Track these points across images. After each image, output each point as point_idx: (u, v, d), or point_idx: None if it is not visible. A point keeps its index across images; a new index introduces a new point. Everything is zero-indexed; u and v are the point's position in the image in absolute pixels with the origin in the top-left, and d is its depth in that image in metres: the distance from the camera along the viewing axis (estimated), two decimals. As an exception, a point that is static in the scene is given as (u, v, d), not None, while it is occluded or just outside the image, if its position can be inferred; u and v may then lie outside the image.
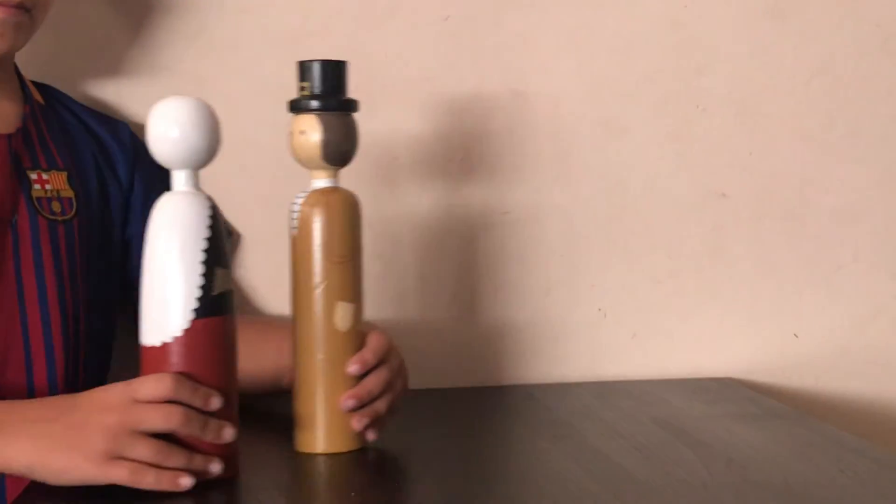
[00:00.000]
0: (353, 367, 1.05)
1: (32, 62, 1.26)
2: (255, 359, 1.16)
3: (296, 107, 1.07)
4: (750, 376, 1.48)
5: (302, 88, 1.06)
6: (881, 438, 1.48)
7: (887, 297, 1.51)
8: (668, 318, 1.47)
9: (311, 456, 1.06)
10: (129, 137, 1.28)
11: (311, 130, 1.05)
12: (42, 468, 0.92)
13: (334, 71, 1.06)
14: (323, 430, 1.05)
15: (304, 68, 1.06)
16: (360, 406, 1.04)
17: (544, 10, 1.42)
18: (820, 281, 1.49)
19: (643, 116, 1.45)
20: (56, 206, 1.15)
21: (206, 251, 0.96)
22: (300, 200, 1.06)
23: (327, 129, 1.05)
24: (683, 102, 1.45)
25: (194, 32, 1.36)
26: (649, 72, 1.45)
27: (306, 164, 1.07)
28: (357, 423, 1.04)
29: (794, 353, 1.49)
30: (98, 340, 1.20)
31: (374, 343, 1.07)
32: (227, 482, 0.97)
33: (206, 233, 0.96)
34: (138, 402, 0.93)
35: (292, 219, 1.06)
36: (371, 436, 1.06)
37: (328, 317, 1.05)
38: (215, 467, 0.95)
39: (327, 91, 1.06)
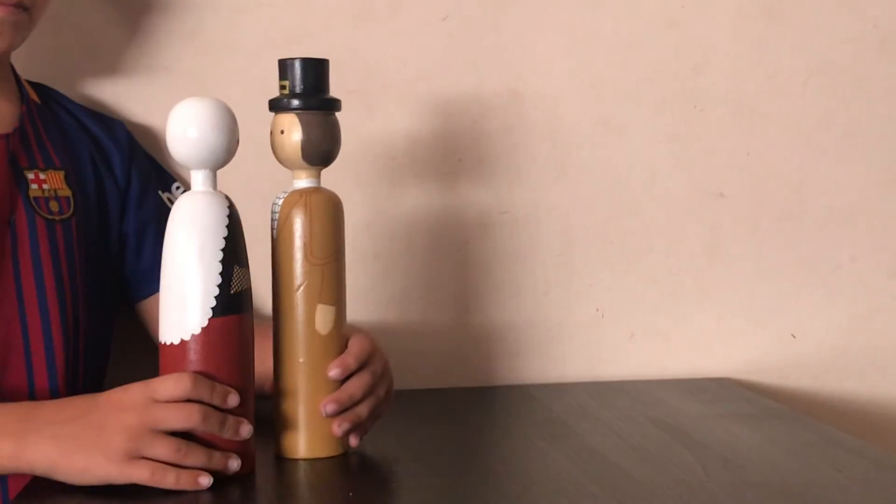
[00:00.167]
0: (333, 371, 1.03)
1: (29, 62, 1.26)
2: None
3: (275, 106, 1.05)
4: (747, 376, 1.48)
5: (282, 87, 1.05)
6: (879, 438, 1.48)
7: (885, 296, 1.51)
8: (666, 319, 1.47)
9: (294, 461, 1.04)
10: (125, 136, 1.28)
11: (290, 130, 1.03)
12: (63, 468, 0.93)
13: (315, 69, 1.05)
14: (305, 435, 1.04)
15: (283, 67, 1.05)
16: (341, 411, 1.02)
17: (542, 10, 1.42)
18: (818, 281, 1.49)
19: (641, 116, 1.45)
20: (54, 206, 1.15)
21: (224, 250, 0.97)
22: (280, 200, 1.05)
23: (307, 129, 1.03)
24: (681, 102, 1.45)
25: (192, 32, 1.36)
26: (647, 72, 1.45)
27: (287, 163, 1.05)
28: (337, 428, 1.02)
29: (791, 354, 1.50)
30: (97, 338, 1.20)
31: (355, 347, 1.05)
32: (243, 478, 0.98)
33: (224, 232, 0.98)
34: (157, 401, 0.94)
35: (273, 219, 1.05)
36: (353, 441, 1.04)
37: (309, 320, 1.04)
38: (234, 464, 0.96)
39: (307, 90, 1.04)
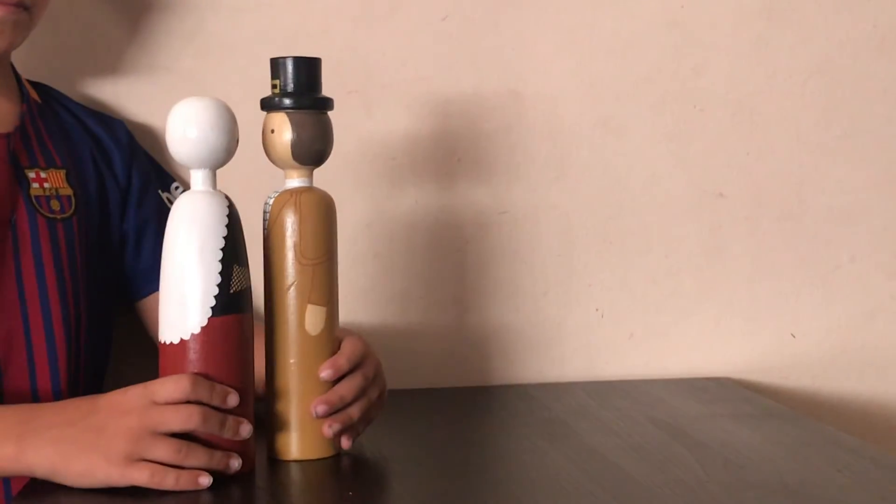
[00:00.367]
0: (325, 373, 1.02)
1: (30, 61, 1.26)
2: None
3: (266, 105, 1.04)
4: (747, 376, 1.48)
5: (273, 86, 1.04)
6: (878, 438, 1.48)
7: (884, 296, 1.51)
8: (666, 318, 1.47)
9: (286, 463, 1.03)
10: (126, 135, 1.28)
11: (280, 129, 1.03)
12: (64, 471, 0.93)
13: (307, 68, 1.04)
14: (297, 436, 1.03)
15: (275, 65, 1.04)
16: (332, 412, 1.02)
17: (542, 10, 1.42)
18: (817, 281, 1.50)
19: (641, 116, 1.45)
20: (55, 205, 1.15)
21: (224, 250, 0.97)
22: (272, 200, 1.04)
23: (297, 128, 1.03)
24: (681, 103, 1.46)
25: (192, 32, 1.36)
26: (647, 72, 1.45)
27: (278, 163, 1.05)
28: (327, 428, 1.02)
29: (791, 353, 1.50)
30: (97, 337, 1.20)
31: (348, 348, 1.05)
32: (243, 478, 0.98)
33: (223, 231, 0.98)
34: (157, 403, 0.94)
35: (264, 219, 1.05)
36: (345, 443, 1.04)
37: (299, 320, 1.03)
38: (235, 463, 0.96)
39: (299, 89, 1.03)
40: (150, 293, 1.24)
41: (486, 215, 1.43)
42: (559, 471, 1.04)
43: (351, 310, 1.37)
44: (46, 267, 1.12)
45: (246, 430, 0.97)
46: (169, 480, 0.93)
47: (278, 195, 1.04)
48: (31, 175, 1.14)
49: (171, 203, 1.24)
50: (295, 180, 1.05)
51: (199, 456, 0.94)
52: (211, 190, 0.99)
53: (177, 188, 1.29)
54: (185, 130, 0.97)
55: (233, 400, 0.96)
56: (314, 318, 1.04)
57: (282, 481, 1.01)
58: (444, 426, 1.24)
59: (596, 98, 1.44)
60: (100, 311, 1.20)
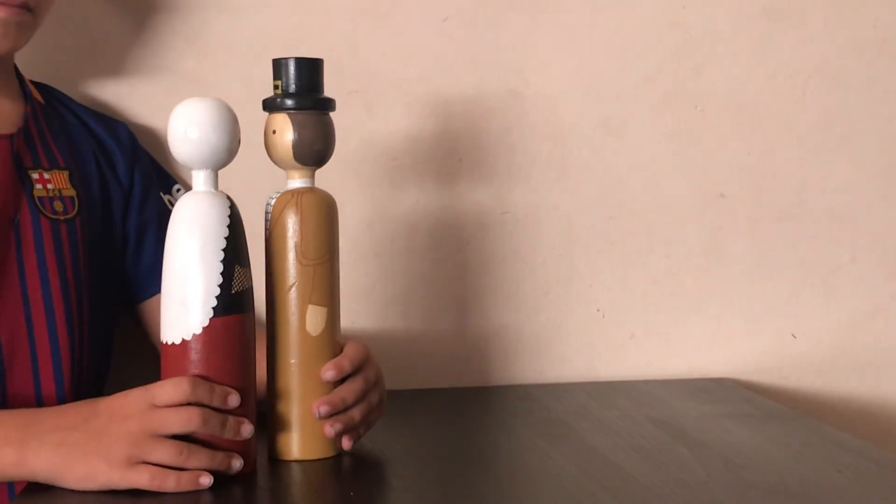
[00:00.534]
0: (328, 373, 1.03)
1: (32, 62, 1.26)
2: None
3: (268, 105, 1.05)
4: (748, 377, 1.48)
5: (275, 87, 1.04)
6: (879, 439, 1.48)
7: (885, 297, 1.51)
8: (666, 319, 1.47)
9: (287, 463, 1.04)
10: (128, 137, 1.28)
11: (282, 130, 1.03)
12: (66, 475, 0.94)
13: (308, 69, 1.04)
14: (298, 436, 1.04)
15: (277, 66, 1.04)
16: (334, 413, 1.02)
17: (543, 10, 1.42)
18: (818, 281, 1.50)
19: (642, 117, 1.45)
20: (58, 206, 1.15)
21: (226, 250, 0.98)
22: (273, 200, 1.05)
23: (299, 129, 1.03)
24: (682, 103, 1.46)
25: (194, 32, 1.36)
26: (648, 72, 1.45)
27: (280, 163, 1.05)
28: (329, 428, 1.02)
29: (791, 354, 1.50)
30: (100, 338, 1.20)
31: (350, 351, 1.06)
32: (244, 478, 0.98)
33: (225, 232, 0.98)
34: (157, 406, 0.94)
35: (266, 219, 1.05)
36: (346, 443, 1.04)
37: (300, 321, 1.03)
38: (236, 464, 0.97)
39: (300, 90, 1.04)
40: (150, 296, 1.24)
41: (487, 215, 1.43)
42: (560, 471, 1.04)
43: (352, 310, 1.37)
44: (49, 268, 1.12)
45: (247, 430, 0.97)
46: (170, 482, 0.93)
47: (280, 196, 1.05)
48: (35, 176, 1.14)
49: (173, 205, 1.25)
50: (296, 181, 1.05)
51: (200, 457, 0.95)
52: (213, 190, 1.00)
53: (178, 190, 1.29)
54: (186, 131, 0.97)
55: (233, 400, 0.96)
56: (315, 319, 1.04)
57: (283, 481, 1.01)
58: (445, 426, 1.24)
59: (597, 98, 1.44)
60: (102, 312, 1.20)
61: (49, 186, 1.15)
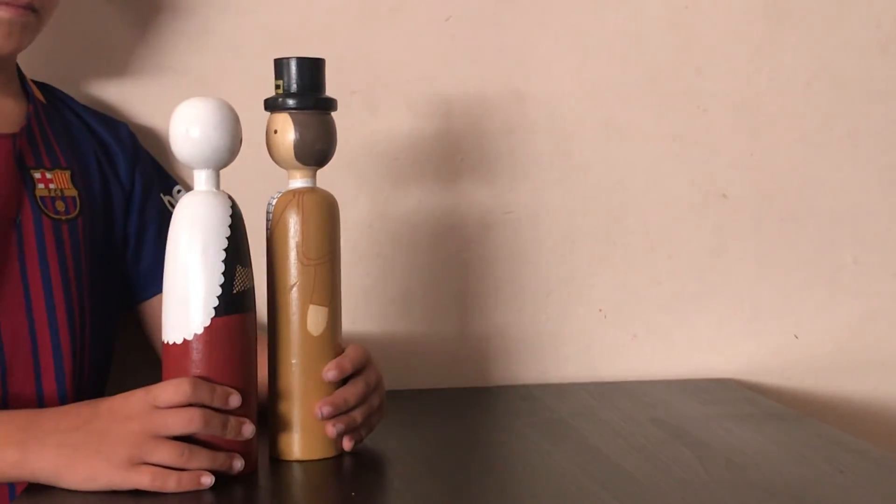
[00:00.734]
0: (329, 373, 1.03)
1: (34, 62, 1.26)
2: None
3: (270, 105, 1.05)
4: (750, 377, 1.48)
5: (277, 86, 1.04)
6: (881, 439, 1.48)
7: (887, 297, 1.51)
8: (668, 319, 1.47)
9: (288, 463, 1.04)
10: (129, 138, 1.28)
11: (284, 129, 1.03)
12: (67, 476, 0.94)
13: (310, 69, 1.04)
14: (300, 437, 1.04)
15: (279, 66, 1.04)
16: (336, 415, 1.03)
17: (545, 10, 1.42)
18: (820, 281, 1.50)
19: (644, 117, 1.45)
20: (60, 206, 1.15)
21: (227, 250, 0.98)
22: (275, 200, 1.05)
23: (300, 129, 1.03)
24: (684, 103, 1.46)
25: (196, 32, 1.36)
26: (650, 72, 1.45)
27: (281, 163, 1.05)
28: (331, 428, 1.02)
29: (793, 354, 1.50)
30: (101, 338, 1.20)
31: (351, 352, 1.06)
32: (245, 478, 0.98)
33: (226, 232, 0.98)
34: (158, 407, 0.95)
35: (267, 219, 1.05)
36: (347, 444, 1.05)
37: (301, 320, 1.03)
38: (238, 464, 0.97)
39: (302, 89, 1.04)
40: (150, 296, 1.24)
41: (488, 216, 1.43)
42: (562, 471, 1.04)
43: (353, 310, 1.37)
44: (51, 267, 1.12)
45: (248, 430, 0.97)
46: (171, 483, 0.93)
47: (281, 195, 1.05)
48: (37, 176, 1.14)
49: (173, 206, 1.25)
50: (298, 180, 1.05)
51: (201, 458, 0.95)
52: (214, 190, 1.00)
53: (178, 191, 1.29)
54: (188, 130, 0.97)
55: (234, 401, 0.96)
56: (316, 319, 1.04)
57: (284, 481, 1.02)
58: (446, 427, 1.24)
59: (599, 98, 1.44)
60: (103, 311, 1.20)
61: (51, 186, 1.15)
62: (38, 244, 1.12)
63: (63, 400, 1.11)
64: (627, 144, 1.45)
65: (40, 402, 1.11)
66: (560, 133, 1.44)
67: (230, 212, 0.99)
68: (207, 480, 0.94)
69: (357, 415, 1.04)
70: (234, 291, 0.98)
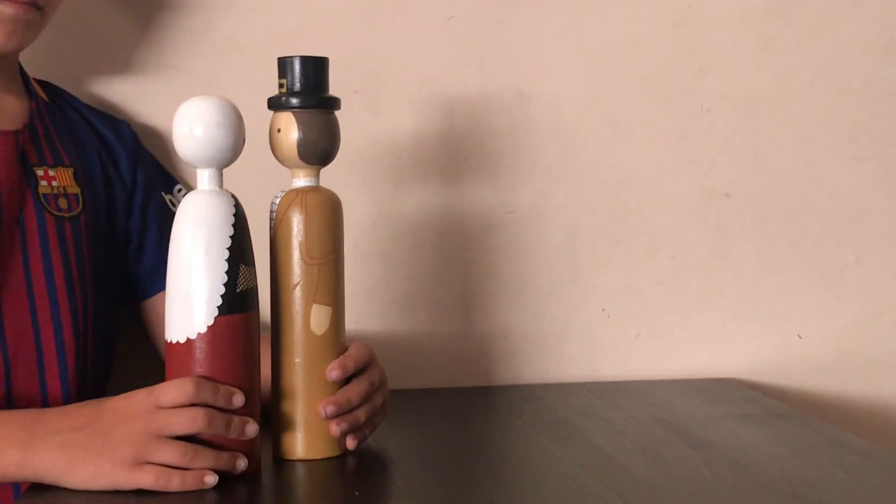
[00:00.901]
0: (333, 373, 1.03)
1: (37, 60, 1.26)
2: None
3: (273, 104, 1.05)
4: (753, 377, 1.48)
5: (280, 85, 1.04)
6: (884, 439, 1.48)
7: (891, 297, 1.51)
8: (672, 319, 1.47)
9: (291, 462, 1.04)
10: (131, 136, 1.28)
11: (287, 128, 1.03)
12: (71, 476, 0.94)
13: (314, 68, 1.04)
14: (303, 436, 1.03)
15: (282, 65, 1.04)
16: (340, 414, 1.03)
17: (548, 10, 1.42)
18: (823, 281, 1.49)
19: (647, 116, 1.45)
20: (63, 203, 1.15)
21: (230, 249, 0.98)
22: (278, 199, 1.05)
23: (304, 128, 1.03)
24: (687, 103, 1.45)
25: (200, 31, 1.36)
26: (653, 72, 1.45)
27: (285, 162, 1.05)
28: (335, 427, 1.02)
29: (797, 354, 1.50)
30: (104, 335, 1.20)
31: (354, 352, 1.06)
32: (249, 477, 0.98)
33: (230, 231, 0.98)
34: (161, 407, 0.94)
35: (271, 218, 1.05)
36: (350, 443, 1.04)
37: (304, 320, 1.03)
38: (241, 464, 0.97)
39: (306, 88, 1.03)
40: (152, 294, 1.24)
41: (491, 215, 1.43)
42: (565, 471, 1.04)
43: (356, 309, 1.37)
44: (55, 264, 1.12)
45: (252, 429, 0.97)
46: (174, 482, 0.93)
47: (285, 194, 1.05)
48: (40, 173, 1.14)
49: (174, 205, 1.25)
50: (301, 179, 1.05)
51: (205, 458, 0.95)
52: (217, 189, 1.00)
53: (179, 190, 1.29)
54: (191, 129, 0.97)
55: (238, 400, 0.96)
56: (319, 318, 1.04)
57: (288, 481, 1.01)
58: (449, 426, 1.24)
59: (602, 98, 1.44)
60: (106, 309, 1.20)
61: (54, 184, 1.15)
62: (41, 241, 1.12)
63: (67, 399, 1.11)
64: (630, 144, 1.45)
65: (44, 401, 1.11)
66: (563, 133, 1.44)
67: (233, 211, 0.99)
68: (211, 479, 0.94)
69: (360, 414, 1.04)
70: (238, 291, 0.98)
